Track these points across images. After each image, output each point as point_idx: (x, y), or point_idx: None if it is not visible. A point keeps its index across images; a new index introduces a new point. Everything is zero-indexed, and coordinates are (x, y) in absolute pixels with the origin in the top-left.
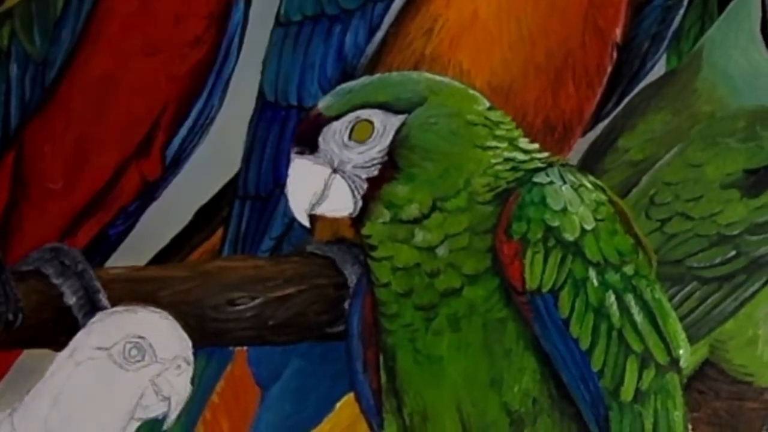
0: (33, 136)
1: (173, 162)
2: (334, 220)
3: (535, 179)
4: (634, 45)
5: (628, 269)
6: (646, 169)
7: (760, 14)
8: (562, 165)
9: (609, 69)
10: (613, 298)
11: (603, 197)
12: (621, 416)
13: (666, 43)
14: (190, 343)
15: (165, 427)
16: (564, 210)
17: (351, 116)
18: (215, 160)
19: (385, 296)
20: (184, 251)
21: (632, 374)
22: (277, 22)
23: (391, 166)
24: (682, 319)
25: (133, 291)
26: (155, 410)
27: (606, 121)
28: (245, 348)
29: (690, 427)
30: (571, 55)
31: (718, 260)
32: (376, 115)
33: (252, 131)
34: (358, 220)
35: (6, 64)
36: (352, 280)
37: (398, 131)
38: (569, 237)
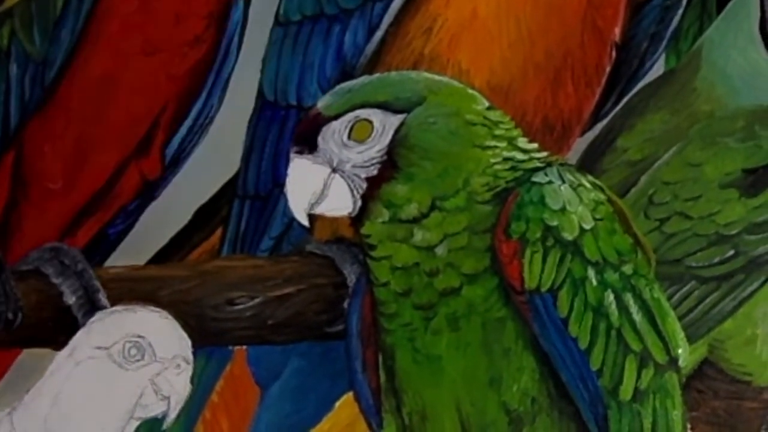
0: (33, 135)
1: (173, 161)
2: (334, 220)
3: (534, 179)
4: (632, 45)
5: (627, 268)
6: (644, 168)
7: (758, 14)
8: (561, 164)
9: (608, 69)
10: (611, 297)
11: (602, 197)
12: (620, 415)
13: (665, 42)
14: (189, 343)
15: (164, 426)
16: (563, 209)
17: (350, 116)
18: (215, 159)
19: (384, 296)
20: (183, 251)
21: (631, 373)
22: (277, 22)
23: (390, 165)
24: (680, 318)
25: (133, 290)
26: (155, 409)
27: (605, 121)
28: (245, 347)
29: (689, 426)
30: (570, 55)
31: (716, 259)
32: (375, 115)
33: (251, 131)
34: (357, 219)
35: (6, 64)
36: (351, 279)
37: (397, 131)
38: (568, 236)
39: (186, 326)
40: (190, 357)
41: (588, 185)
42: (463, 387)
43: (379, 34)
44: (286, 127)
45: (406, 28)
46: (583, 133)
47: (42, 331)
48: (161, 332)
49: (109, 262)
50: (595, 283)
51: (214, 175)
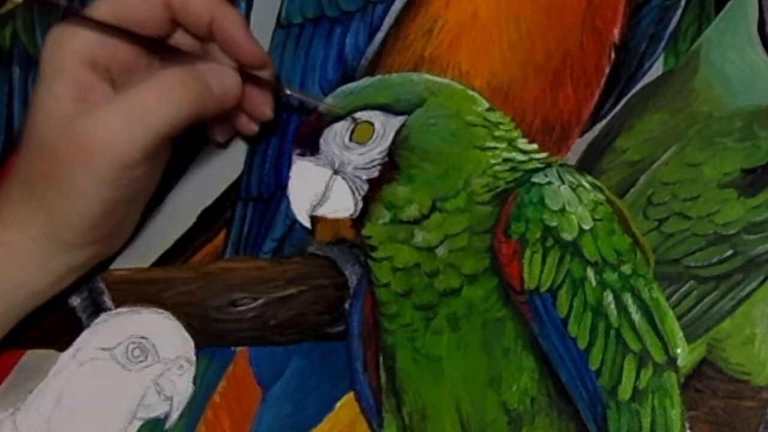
0: None
1: None
2: (335, 221)
3: (534, 179)
4: (631, 45)
5: (626, 268)
6: (643, 169)
7: (757, 15)
8: (561, 165)
9: (607, 70)
10: (611, 297)
11: (601, 197)
12: (619, 415)
13: (663, 43)
14: (192, 344)
15: (167, 426)
16: (562, 210)
17: (351, 118)
18: (219, 162)
19: (385, 296)
20: (187, 253)
21: (630, 373)
22: (279, 24)
23: (391, 167)
24: (679, 318)
25: (137, 292)
26: (157, 410)
27: (604, 122)
28: (247, 348)
29: (687, 425)
30: (569, 56)
31: (715, 259)
32: (376, 117)
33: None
34: (358, 221)
35: (8, 66)
36: (352, 280)
37: (398, 132)
38: (567, 237)
39: (189, 327)
40: (193, 358)
41: (587, 186)
42: (463, 387)
43: (379, 36)
44: (288, 129)
45: (407, 30)
46: (582, 133)
47: (46, 332)
48: (165, 333)
49: (114, 265)
50: (594, 283)
51: (218, 178)
